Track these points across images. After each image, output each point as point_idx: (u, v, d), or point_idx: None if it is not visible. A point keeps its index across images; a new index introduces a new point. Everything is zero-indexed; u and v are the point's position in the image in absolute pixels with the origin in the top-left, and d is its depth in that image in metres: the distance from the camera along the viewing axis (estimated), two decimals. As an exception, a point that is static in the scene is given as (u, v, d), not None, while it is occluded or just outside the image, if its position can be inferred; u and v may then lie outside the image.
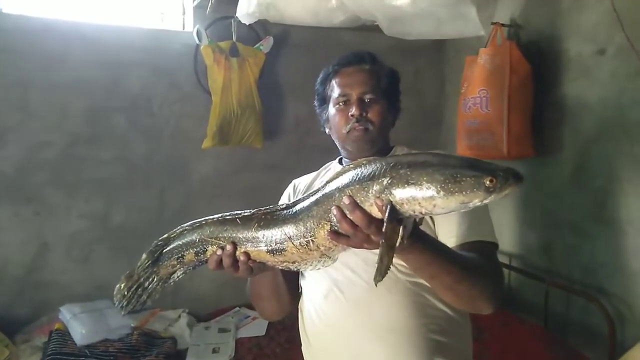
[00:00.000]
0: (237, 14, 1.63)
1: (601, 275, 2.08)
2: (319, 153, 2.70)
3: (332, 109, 1.20)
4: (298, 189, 1.29)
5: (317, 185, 1.23)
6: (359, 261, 1.08)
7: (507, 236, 2.56)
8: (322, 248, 0.85)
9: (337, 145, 1.24)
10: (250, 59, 2.45)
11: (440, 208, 0.75)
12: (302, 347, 1.24)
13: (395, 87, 1.24)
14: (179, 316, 2.49)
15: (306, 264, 0.90)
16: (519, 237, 2.55)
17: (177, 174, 2.58)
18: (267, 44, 2.51)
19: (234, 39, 2.46)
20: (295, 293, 1.22)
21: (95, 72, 2.37)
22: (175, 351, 2.21)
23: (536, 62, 2.28)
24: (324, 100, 1.24)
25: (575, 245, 2.20)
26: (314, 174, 1.33)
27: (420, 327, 1.05)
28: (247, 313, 2.58)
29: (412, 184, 0.74)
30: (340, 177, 0.83)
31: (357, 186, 0.78)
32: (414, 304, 1.05)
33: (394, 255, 0.76)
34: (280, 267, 0.94)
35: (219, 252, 0.92)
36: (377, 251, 0.79)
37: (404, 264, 1.01)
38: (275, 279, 1.11)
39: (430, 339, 1.05)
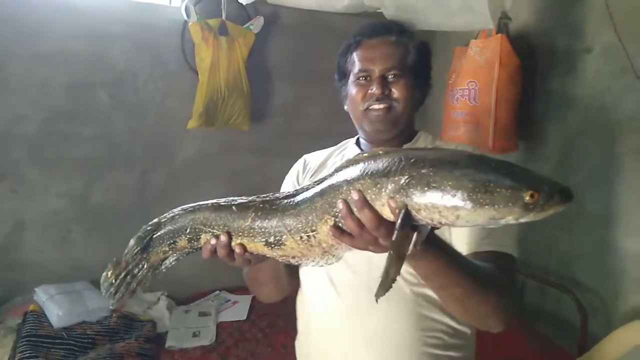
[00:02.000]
0: (236, -8, 1.57)
1: (576, 268, 2.15)
2: (305, 138, 2.71)
3: (351, 85, 1.08)
4: (309, 167, 1.18)
5: (329, 165, 1.15)
6: (362, 262, 0.98)
7: (486, 227, 2.61)
8: (324, 245, 0.77)
9: (355, 124, 1.12)
10: (239, 38, 2.39)
11: (464, 221, 0.63)
12: (297, 340, 1.19)
13: (425, 62, 1.10)
14: (158, 299, 2.45)
15: (307, 259, 0.81)
16: (497, 229, 2.60)
17: (160, 154, 2.52)
18: (257, 24, 2.45)
19: (224, 17, 2.39)
20: (295, 275, 1.13)
21: (78, 45, 2.27)
22: (154, 334, 2.18)
23: (524, 56, 2.30)
24: (344, 75, 1.11)
25: (553, 238, 2.26)
26: (327, 150, 1.21)
27: (414, 340, 0.98)
28: (228, 297, 2.56)
29: (434, 187, 0.62)
30: (351, 167, 0.72)
31: (369, 181, 0.68)
32: (411, 316, 0.98)
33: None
34: (280, 260, 0.86)
35: (213, 241, 0.84)
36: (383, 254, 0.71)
37: (411, 271, 0.93)
38: (275, 266, 1.03)
39: (423, 353, 0.98)
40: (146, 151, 2.48)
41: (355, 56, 1.07)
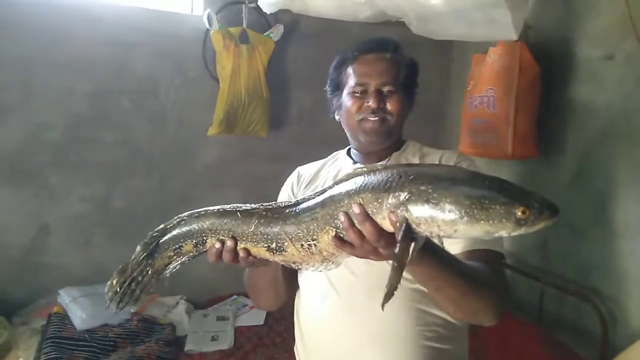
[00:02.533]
0: (260, 2, 1.59)
1: (595, 276, 2.13)
2: (323, 145, 2.70)
3: (346, 97, 1.14)
4: (302, 178, 1.24)
5: (322, 176, 1.21)
6: (361, 263, 1.01)
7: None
8: (324, 253, 0.81)
9: (348, 134, 1.18)
10: (260, 46, 2.42)
11: (460, 234, 0.68)
12: (296, 345, 1.22)
13: (414, 79, 1.18)
14: (177, 303, 2.49)
15: (308, 265, 0.86)
16: (516, 236, 2.59)
17: (180, 160, 2.55)
18: (277, 32, 2.47)
19: (245, 25, 2.42)
20: (292, 285, 1.18)
21: (100, 53, 2.31)
22: (174, 338, 2.21)
23: (544, 63, 2.30)
24: (338, 87, 1.18)
25: (572, 246, 2.25)
26: (320, 162, 1.27)
27: (415, 335, 1.02)
28: (245, 301, 2.58)
29: (434, 203, 0.66)
30: (352, 180, 0.76)
31: (370, 195, 0.71)
32: (411, 311, 1.03)
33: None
34: (281, 264, 0.91)
35: (218, 245, 0.88)
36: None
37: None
38: (274, 274, 1.08)
39: (424, 346, 1.02)
40: (166, 157, 2.52)
41: (351, 70, 1.14)
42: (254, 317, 2.43)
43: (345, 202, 0.74)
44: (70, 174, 2.35)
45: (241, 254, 0.87)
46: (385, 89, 1.10)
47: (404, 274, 1.00)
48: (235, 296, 2.63)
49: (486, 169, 2.83)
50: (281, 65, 2.65)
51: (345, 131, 1.19)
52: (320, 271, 0.86)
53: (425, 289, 0.97)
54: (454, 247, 0.97)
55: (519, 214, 0.64)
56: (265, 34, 2.47)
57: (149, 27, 2.38)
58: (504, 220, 0.65)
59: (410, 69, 1.16)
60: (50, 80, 2.26)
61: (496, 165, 2.57)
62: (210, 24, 2.33)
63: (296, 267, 0.88)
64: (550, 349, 2.01)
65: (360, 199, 0.72)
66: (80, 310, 2.10)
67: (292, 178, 1.27)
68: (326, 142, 2.64)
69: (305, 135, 2.74)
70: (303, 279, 1.16)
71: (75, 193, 2.37)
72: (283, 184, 1.28)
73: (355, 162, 1.21)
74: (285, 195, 1.26)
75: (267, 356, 2.14)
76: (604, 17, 2.11)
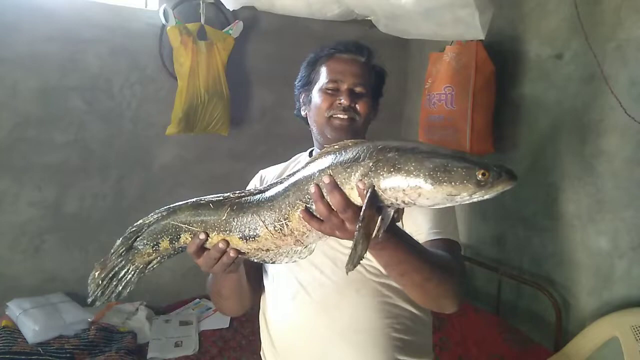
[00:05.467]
0: (222, -1, 1.55)
1: (549, 266, 2.24)
2: (285, 142, 2.70)
3: (317, 93, 1.14)
4: (265, 180, 1.23)
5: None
6: (328, 262, 1.05)
7: (462, 228, 2.68)
8: (295, 233, 0.81)
9: (314, 131, 1.17)
10: (219, 43, 2.36)
11: (425, 198, 0.70)
12: (262, 349, 1.21)
13: (381, 87, 1.21)
14: (137, 309, 2.39)
15: (281, 253, 0.86)
16: (474, 229, 2.68)
17: (137, 160, 2.46)
18: (236, 29, 2.42)
19: (203, 21, 2.36)
20: (257, 290, 1.17)
21: (50, 48, 2.19)
22: (136, 346, 2.12)
23: (498, 62, 2.39)
24: (308, 83, 1.18)
25: (527, 238, 2.35)
26: (282, 165, 1.27)
27: (385, 328, 1.04)
28: (208, 305, 2.51)
29: (399, 169, 0.70)
30: (323, 157, 0.79)
31: (340, 167, 0.74)
32: (380, 305, 1.05)
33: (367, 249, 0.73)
34: (255, 260, 0.89)
35: (198, 241, 0.86)
36: (346, 251, 0.76)
37: (373, 264, 1.03)
38: (239, 280, 1.06)
39: (394, 338, 1.05)
40: (122, 158, 2.42)
41: (325, 67, 1.15)
42: (219, 321, 2.37)
43: (317, 175, 0.76)
44: (18, 177, 2.21)
45: (231, 253, 0.86)
46: (357, 89, 1.12)
47: (374, 270, 1.04)
48: (197, 300, 2.56)
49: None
50: (241, 62, 2.61)
51: (311, 127, 1.18)
52: (294, 261, 0.86)
53: (392, 280, 1.00)
54: (414, 237, 0.98)
55: (479, 176, 0.68)
56: (224, 30, 2.42)
57: (102, 22, 2.27)
58: (465, 181, 0.68)
59: (380, 78, 1.20)
60: (-7, 78, 2.11)
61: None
62: (166, 20, 2.25)
63: (270, 260, 0.87)
64: (509, 336, 2.09)
65: (330, 171, 0.75)
66: (32, 323, 1.98)
67: (254, 181, 1.25)
68: (288, 139, 2.66)
69: (267, 133, 2.71)
70: (270, 280, 1.15)
71: (23, 197, 2.23)
72: (246, 183, 1.26)
73: None
74: None
75: (234, 359, 2.10)
76: (553, 18, 2.21)
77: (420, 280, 0.90)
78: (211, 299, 1.21)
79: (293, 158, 1.28)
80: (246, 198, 0.86)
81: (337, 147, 0.79)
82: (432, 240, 1.02)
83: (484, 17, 1.12)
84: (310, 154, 1.23)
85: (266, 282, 1.16)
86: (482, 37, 1.21)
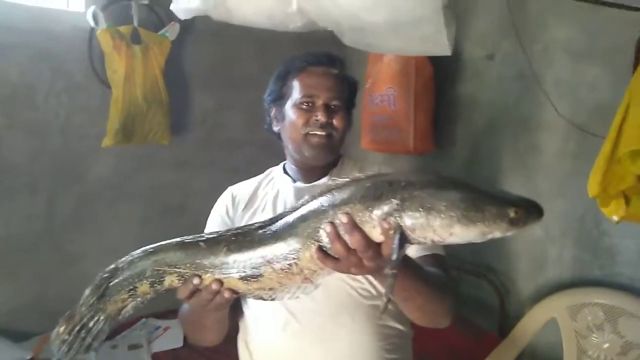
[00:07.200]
0: (172, 7, 1.46)
1: (489, 255, 2.39)
2: (228, 148, 2.62)
3: (290, 109, 1.10)
4: (237, 200, 1.18)
5: (260, 197, 1.18)
6: (319, 290, 1.00)
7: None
8: (305, 272, 0.77)
9: (290, 148, 1.14)
10: (154, 47, 2.22)
11: (456, 237, 0.69)
12: None
13: (353, 98, 1.20)
14: (79, 336, 2.21)
15: (283, 291, 0.81)
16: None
17: (69, 176, 2.25)
18: (172, 31, 2.29)
19: (136, 23, 2.20)
20: (235, 315, 1.12)
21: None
22: (83, 377, 1.97)
23: (436, 63, 2.48)
24: (279, 97, 1.13)
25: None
26: (253, 181, 1.22)
27: (379, 350, 1.04)
28: (157, 323, 2.36)
29: (428, 209, 0.68)
30: (335, 192, 0.75)
31: (359, 205, 0.71)
32: (373, 328, 1.04)
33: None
34: (252, 298, 0.85)
35: (192, 286, 0.81)
36: (339, 276, 0.75)
37: (365, 286, 1.02)
38: (225, 311, 1.01)
39: (384, 359, 1.05)
40: (52, 174, 2.20)
41: (298, 80, 1.10)
42: (171, 340, 2.25)
43: (330, 213, 0.72)
44: None
45: (226, 294, 0.81)
46: (333, 103, 1.09)
47: (364, 292, 1.03)
48: (144, 319, 2.39)
49: (387, 163, 2.95)
50: (179, 66, 2.48)
51: (286, 144, 1.15)
52: (297, 297, 0.82)
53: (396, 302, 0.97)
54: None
55: (512, 214, 0.68)
56: (159, 33, 2.28)
57: (18, 24, 2.04)
58: (498, 221, 0.68)
59: (351, 88, 1.17)
60: None
61: (396, 160, 2.73)
62: (96, 22, 2.07)
63: (269, 297, 0.82)
64: (460, 326, 2.21)
65: (347, 209, 0.71)
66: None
67: (224, 200, 1.20)
68: (232, 144, 2.59)
69: (210, 139, 2.60)
70: (254, 311, 1.10)
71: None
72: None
73: (294, 181, 1.17)
74: (218, 218, 1.18)
75: (194, 378, 2.03)
76: (484, 20, 2.34)
77: (422, 303, 0.91)
78: (185, 329, 1.14)
79: (265, 172, 1.24)
80: (246, 235, 0.81)
81: (348, 180, 0.75)
82: (422, 256, 1.02)
83: (450, 33, 1.16)
84: (284, 168, 1.19)
85: (245, 307, 1.12)
86: (449, 53, 1.25)
